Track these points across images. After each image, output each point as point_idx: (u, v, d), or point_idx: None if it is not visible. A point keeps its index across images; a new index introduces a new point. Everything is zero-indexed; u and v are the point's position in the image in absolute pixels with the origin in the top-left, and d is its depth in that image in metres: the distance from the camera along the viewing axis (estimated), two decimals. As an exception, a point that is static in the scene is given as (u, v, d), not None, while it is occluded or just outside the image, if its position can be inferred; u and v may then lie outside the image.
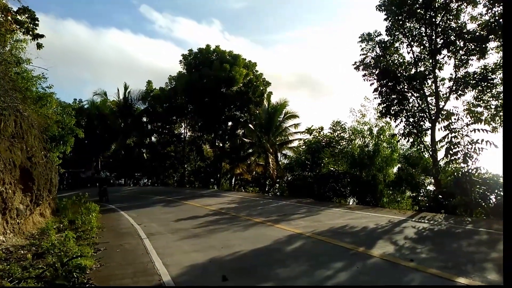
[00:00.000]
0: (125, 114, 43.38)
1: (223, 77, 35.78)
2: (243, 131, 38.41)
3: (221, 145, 41.29)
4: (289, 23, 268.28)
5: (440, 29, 16.26)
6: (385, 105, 16.99)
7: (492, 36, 14.43)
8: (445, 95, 16.63)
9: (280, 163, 30.49)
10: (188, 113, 41.12)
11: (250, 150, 35.06)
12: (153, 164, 44.06)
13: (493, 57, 16.22)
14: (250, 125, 33.11)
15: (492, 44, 15.22)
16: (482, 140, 11.51)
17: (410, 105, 16.80)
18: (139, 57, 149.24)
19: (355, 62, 18.23)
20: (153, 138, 46.96)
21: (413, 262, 5.72)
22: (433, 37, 16.49)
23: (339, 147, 21.11)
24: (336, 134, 22.54)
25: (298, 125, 32.29)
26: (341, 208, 14.10)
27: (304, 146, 24.55)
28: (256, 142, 31.73)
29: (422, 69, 17.21)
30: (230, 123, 40.09)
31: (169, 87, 42.17)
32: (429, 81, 16.85)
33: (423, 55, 17.28)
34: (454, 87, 16.27)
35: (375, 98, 17.80)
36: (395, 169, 19.43)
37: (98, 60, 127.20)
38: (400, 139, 17.15)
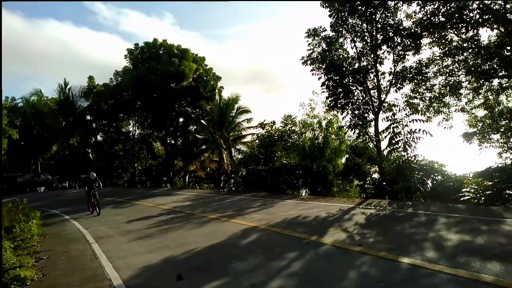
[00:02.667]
0: (67, 112, 40.69)
1: (172, 72, 35.02)
2: (195, 127, 37.75)
3: (173, 142, 40.47)
4: (241, 17, 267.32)
5: (379, 26, 17.20)
6: (332, 98, 17.69)
7: (425, 33, 15.58)
8: (386, 88, 17.68)
9: (234, 158, 30.69)
10: (136, 110, 39.56)
11: (204, 147, 34.82)
12: (100, 164, 41.54)
13: (427, 52, 17.56)
14: (203, 121, 32.88)
15: (425, 41, 16.45)
16: (419, 130, 12.50)
17: (355, 98, 17.63)
18: (83, 51, 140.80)
19: (303, 57, 18.78)
20: (99, 137, 44.59)
21: (362, 247, 6.16)
22: (374, 33, 17.41)
23: (291, 140, 21.75)
24: (288, 127, 23.20)
25: (251, 120, 32.60)
26: (294, 199, 14.60)
27: (257, 141, 25.00)
28: (209, 138, 31.62)
29: (365, 63, 18.10)
30: (181, 120, 39.30)
31: (114, 82, 40.38)
32: (372, 75, 17.77)
33: (365, 50, 18.17)
34: (393, 81, 17.35)
35: (322, 92, 18.48)
36: (343, 160, 20.46)
37: (37, 54, 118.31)
38: (347, 131, 18.00)
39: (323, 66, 17.92)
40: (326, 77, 17.79)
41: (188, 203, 16.21)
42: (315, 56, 18.52)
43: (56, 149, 44.69)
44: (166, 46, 37.82)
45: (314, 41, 18.66)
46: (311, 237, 7.18)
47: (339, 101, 17.44)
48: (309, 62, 18.62)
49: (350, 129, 17.38)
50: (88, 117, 42.42)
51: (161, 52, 37.55)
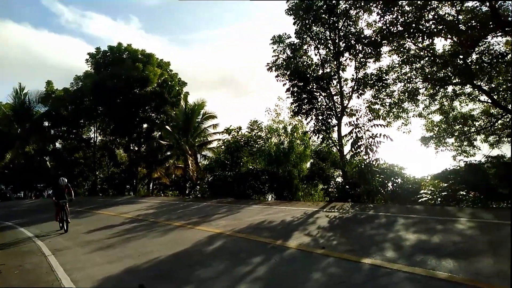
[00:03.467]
0: (22, 118, 38.61)
1: (136, 77, 34.26)
2: (160, 133, 37.15)
3: (136, 148, 39.38)
4: (208, 22, 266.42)
5: (342, 34, 17.68)
6: (297, 104, 17.93)
7: (385, 41, 16.18)
8: (348, 94, 18.15)
9: (200, 164, 30.36)
10: (98, 116, 38.28)
11: (168, 153, 34.26)
12: (59, 172, 39.15)
13: (386, 60, 18.23)
14: (167, 127, 32.39)
15: (385, 49, 17.08)
16: (380, 134, 12.92)
17: (319, 104, 17.95)
18: (44, 54, 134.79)
19: (268, 63, 18.97)
20: (57, 144, 42.48)
21: (325, 249, 6.27)
22: (337, 41, 17.87)
23: (257, 145, 21.84)
24: (254, 133, 23.27)
25: (217, 126, 32.47)
26: (260, 204, 14.65)
27: (223, 146, 24.89)
28: (174, 144, 31.16)
29: (328, 70, 18.49)
30: (145, 125, 38.39)
31: (75, 87, 38.85)
32: (335, 81, 18.15)
33: (328, 57, 18.58)
34: (355, 87, 17.84)
35: (287, 97, 18.72)
36: (308, 164, 20.78)
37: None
38: (312, 136, 18.28)
39: (288, 73, 18.16)
40: (290, 83, 18.01)
41: (152, 211, 15.86)
42: (280, 63, 18.75)
43: (11, 157, 42.18)
44: (131, 50, 36.97)
45: (279, 48, 18.90)
46: (276, 242, 7.22)
47: (303, 106, 17.71)
48: (274, 68, 18.82)
49: (314, 134, 17.66)
50: (46, 123, 40.41)
51: (125, 56, 36.64)
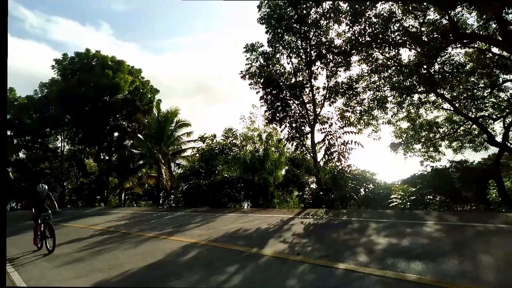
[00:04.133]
0: (-19, 127, 37.03)
1: (106, 84, 33.74)
2: (131, 141, 36.49)
3: (107, 158, 38.53)
4: (181, 28, 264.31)
5: (313, 43, 18.13)
6: (270, 112, 18.12)
7: (354, 51, 16.72)
8: (320, 102, 18.58)
9: (174, 173, 30.05)
10: (66, 124, 37.36)
11: (141, 162, 33.64)
12: (23, 184, 37.84)
13: (356, 69, 18.82)
14: (140, 135, 31.83)
15: (354, 58, 17.63)
16: (352, 141, 13.32)
17: (292, 111, 18.23)
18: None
19: (241, 71, 19.16)
20: (21, 154, 40.63)
21: (300, 256, 6.41)
22: (308, 50, 18.29)
23: (232, 153, 21.86)
24: (229, 141, 23.31)
25: (191, 134, 32.17)
26: (236, 212, 14.68)
27: (197, 155, 24.76)
28: (147, 153, 30.66)
29: (301, 78, 18.86)
30: (116, 134, 37.72)
31: (40, 95, 37.77)
32: (307, 90, 18.51)
33: (301, 66, 18.97)
34: (327, 95, 18.30)
35: (261, 105, 18.91)
36: (283, 172, 21.00)
37: None
38: (286, 143, 18.53)
39: (261, 81, 18.39)
40: (264, 91, 18.24)
41: (124, 222, 15.54)
42: (253, 71, 18.97)
43: (-31, 169, 40.14)
44: (100, 57, 36.36)
45: (252, 56, 19.14)
46: (252, 250, 7.27)
47: (277, 114, 17.94)
48: (247, 76, 19.02)
49: (288, 142, 17.91)
50: (9, 133, 38.68)
51: (94, 63, 35.97)
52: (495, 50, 15.38)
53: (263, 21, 18.38)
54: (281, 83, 18.29)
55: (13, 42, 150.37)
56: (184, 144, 32.69)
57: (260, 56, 19.13)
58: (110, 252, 8.76)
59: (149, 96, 37.58)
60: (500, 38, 13.55)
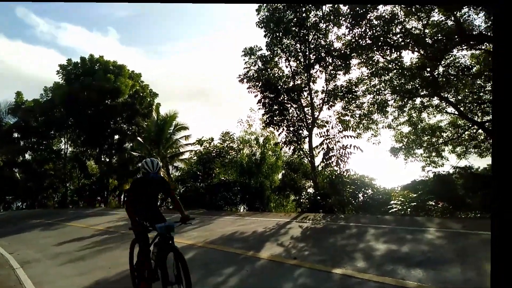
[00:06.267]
0: (-9, 130, 37.25)
1: (108, 88, 33.89)
2: (131, 144, 36.54)
3: (107, 160, 38.56)
4: (182, 32, 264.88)
5: (312, 46, 17.91)
6: (268, 115, 17.90)
7: (354, 54, 16.51)
8: (319, 106, 18.32)
9: (171, 175, 29.77)
10: (69, 127, 37.54)
11: (140, 164, 33.41)
12: (28, 184, 38.48)
13: (356, 72, 18.58)
14: (139, 138, 31.66)
15: (354, 61, 17.40)
16: (351, 145, 13.05)
17: (290, 115, 18.00)
18: (18, 65, 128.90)
19: (239, 75, 18.94)
20: (27, 156, 40.91)
21: (297, 259, 6.15)
22: (307, 53, 18.05)
23: (228, 157, 21.62)
24: (226, 144, 23.05)
25: (189, 137, 31.94)
26: (232, 215, 14.40)
27: (195, 158, 24.54)
28: (146, 156, 30.45)
29: (299, 82, 18.62)
30: (117, 137, 37.79)
31: (45, 98, 38.14)
32: (306, 93, 18.29)
33: (299, 69, 18.74)
34: (326, 99, 18.05)
35: (259, 109, 18.67)
36: (280, 176, 20.72)
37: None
38: (283, 147, 18.28)
39: (259, 84, 18.17)
40: (262, 95, 18.01)
41: (124, 222, 15.27)
42: (251, 74, 18.76)
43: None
44: (102, 62, 36.73)
45: (250, 60, 18.92)
46: (248, 253, 7.08)
47: (275, 118, 17.70)
48: (245, 80, 18.80)
49: (286, 145, 17.65)
50: (16, 135, 39.12)
51: (96, 68, 36.35)
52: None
53: (262, 24, 18.19)
54: (279, 87, 18.08)
55: (25, 48, 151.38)
56: (182, 147, 32.46)
57: (259, 60, 18.92)
58: (110, 252, 8.75)
59: (148, 99, 37.75)
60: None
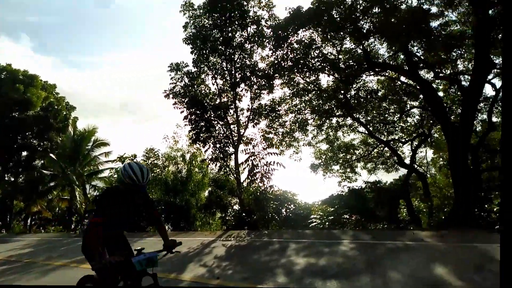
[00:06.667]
0: None
1: (16, 99, 30.82)
2: (42, 161, 33.42)
3: (12, 179, 34.69)
4: (110, 45, 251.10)
5: (238, 66, 18.33)
6: (194, 132, 17.80)
7: (277, 74, 17.29)
8: (244, 123, 18.68)
9: (89, 195, 27.84)
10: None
11: (52, 183, 30.56)
12: None
13: (279, 92, 19.39)
14: (52, 155, 29.08)
15: (277, 82, 18.18)
16: (274, 162, 13.54)
17: (217, 132, 18.06)
18: None
19: (165, 91, 18.62)
20: None
21: (219, 279, 6.16)
22: (233, 72, 18.42)
23: (153, 174, 20.93)
24: (150, 161, 22.29)
25: (110, 153, 30.21)
26: (155, 236, 13.87)
27: (115, 175, 23.31)
28: (60, 174, 28.11)
29: (225, 99, 18.88)
30: (25, 153, 34.31)
31: None
32: (232, 111, 18.56)
33: (225, 87, 18.99)
34: (251, 117, 18.49)
35: (185, 125, 18.45)
36: (206, 193, 20.58)
37: None
38: (209, 163, 18.26)
39: (185, 100, 18.05)
40: (188, 111, 17.88)
41: (29, 250, 13.87)
42: (177, 90, 18.56)
43: None
44: (10, 70, 33.36)
45: (177, 76, 18.73)
46: (170, 275, 6.88)
47: (201, 134, 17.64)
48: (171, 95, 18.54)
49: (212, 162, 17.65)
50: None
51: (3, 77, 32.85)
52: (403, 79, 16.93)
53: (189, 41, 18.22)
54: (205, 104, 18.11)
55: None
56: (102, 164, 30.61)
57: (185, 76, 18.80)
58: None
59: (64, 113, 35.06)
60: (407, 68, 14.98)
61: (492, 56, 13.61)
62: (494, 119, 16.19)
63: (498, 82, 15.32)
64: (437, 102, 14.38)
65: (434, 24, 14.67)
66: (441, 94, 16.96)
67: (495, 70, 14.43)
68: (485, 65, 12.75)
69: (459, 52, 15.09)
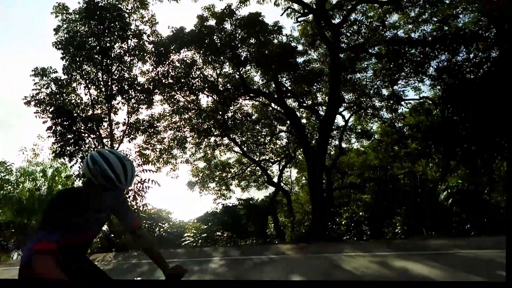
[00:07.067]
0: None
1: None
2: None
3: None
4: None
5: (115, 77, 17.47)
6: (59, 144, 16.19)
7: (157, 90, 17.07)
8: (119, 138, 17.80)
9: None
10: None
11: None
12: None
13: (158, 108, 19.11)
14: None
15: (157, 97, 17.93)
16: (149, 179, 13.19)
17: (87, 146, 16.80)
18: None
19: (26, 97, 16.56)
20: None
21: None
22: (109, 84, 17.45)
23: (2, 192, 18.08)
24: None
25: None
26: (1, 266, 12.04)
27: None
28: None
29: (99, 111, 17.75)
30: None
31: None
32: (105, 124, 17.54)
33: (100, 99, 17.87)
34: (127, 131, 17.74)
35: (48, 137, 16.63)
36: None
37: None
38: (76, 180, 16.76)
39: (50, 109, 16.35)
40: (53, 122, 16.20)
41: None
42: (42, 98, 16.72)
43: None
44: None
45: (42, 81, 16.88)
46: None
47: (68, 148, 16.13)
48: (34, 103, 16.59)
49: (79, 179, 16.23)
50: None
51: None
52: (273, 105, 18.49)
53: (60, 46, 16.68)
54: (75, 114, 16.69)
55: None
56: None
57: (52, 83, 17.08)
58: None
59: None
60: (276, 96, 16.45)
61: (342, 93, 16.32)
62: (344, 145, 19.37)
63: (347, 114, 18.48)
64: (300, 128, 16.26)
65: (300, 60, 16.82)
66: (304, 121, 19.23)
67: (345, 104, 17.48)
68: (337, 100, 15.00)
69: (318, 86, 17.51)
